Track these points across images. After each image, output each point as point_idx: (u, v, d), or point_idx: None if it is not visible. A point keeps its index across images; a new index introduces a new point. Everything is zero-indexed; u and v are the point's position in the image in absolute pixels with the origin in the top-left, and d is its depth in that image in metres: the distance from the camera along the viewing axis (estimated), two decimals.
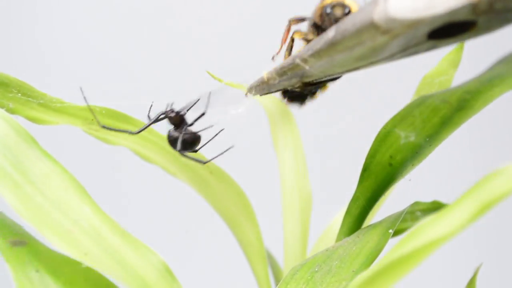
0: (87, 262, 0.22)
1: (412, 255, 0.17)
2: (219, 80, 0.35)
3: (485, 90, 0.21)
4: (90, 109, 0.28)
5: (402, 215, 0.26)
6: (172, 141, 0.28)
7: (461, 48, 0.31)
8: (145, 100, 0.29)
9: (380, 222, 0.26)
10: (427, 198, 0.34)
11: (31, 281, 0.21)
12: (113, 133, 0.29)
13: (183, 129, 0.28)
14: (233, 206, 0.32)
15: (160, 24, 0.74)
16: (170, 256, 0.27)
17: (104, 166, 0.64)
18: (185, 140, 0.28)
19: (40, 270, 0.22)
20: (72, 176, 0.25)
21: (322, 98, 0.34)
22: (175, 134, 0.28)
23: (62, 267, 0.22)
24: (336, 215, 0.38)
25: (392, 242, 0.29)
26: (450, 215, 0.17)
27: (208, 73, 0.34)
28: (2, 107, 0.26)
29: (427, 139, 0.24)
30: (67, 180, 0.25)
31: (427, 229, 0.17)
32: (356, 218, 0.28)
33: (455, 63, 0.31)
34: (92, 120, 0.28)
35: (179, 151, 0.28)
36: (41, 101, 0.27)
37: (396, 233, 0.34)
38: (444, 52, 0.32)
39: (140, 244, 0.26)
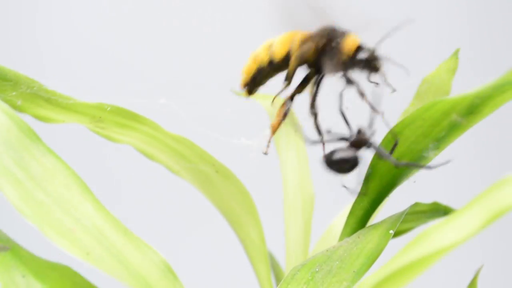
0: (89, 262, 0.21)
1: (420, 261, 0.16)
2: (239, 94, 0.34)
3: (496, 95, 0.20)
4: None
5: (403, 216, 0.26)
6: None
7: (456, 54, 0.31)
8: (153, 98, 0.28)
9: (381, 223, 0.26)
10: (427, 199, 0.34)
11: (18, 286, 0.20)
12: (118, 130, 0.29)
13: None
14: (236, 205, 0.32)
15: (166, 21, 0.73)
16: (172, 255, 0.27)
17: (107, 164, 0.64)
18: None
19: (27, 275, 0.21)
20: (75, 173, 0.24)
21: (325, 98, 0.34)
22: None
23: (48, 271, 0.22)
24: (337, 215, 0.38)
25: (394, 243, 0.29)
26: (459, 221, 0.16)
27: (234, 91, 0.33)
28: (11, 104, 0.25)
29: (435, 143, 0.23)
30: (70, 177, 0.24)
31: (435, 235, 0.17)
32: (360, 220, 0.27)
33: (452, 70, 0.31)
34: (100, 117, 0.27)
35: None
36: (52, 97, 0.26)
37: (397, 234, 0.33)
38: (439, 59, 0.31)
39: (142, 243, 0.25)
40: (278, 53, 0.27)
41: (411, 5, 0.78)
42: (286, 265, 0.34)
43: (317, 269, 0.22)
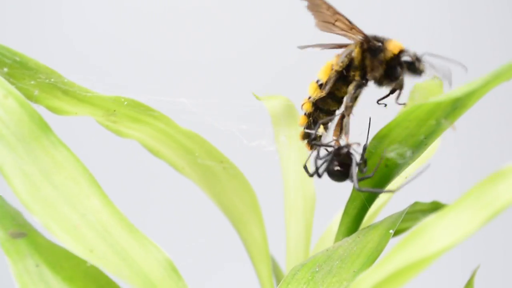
0: (92, 259, 0.20)
1: (413, 265, 0.16)
2: (258, 98, 0.33)
3: (479, 88, 0.20)
4: None
5: (403, 216, 0.25)
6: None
7: None
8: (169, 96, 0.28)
9: (381, 222, 0.25)
10: (426, 198, 0.33)
11: (31, 276, 0.20)
12: (129, 125, 0.28)
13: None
14: (241, 204, 0.31)
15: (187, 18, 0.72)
16: (174, 253, 0.26)
17: (114, 160, 0.63)
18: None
19: (40, 264, 0.20)
20: (84, 165, 0.23)
21: None
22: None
23: (62, 261, 0.21)
24: (336, 215, 0.37)
25: (393, 242, 0.28)
26: (455, 220, 0.15)
27: (254, 95, 0.33)
28: (27, 94, 0.24)
29: (423, 139, 0.22)
30: (78, 170, 0.23)
31: (431, 234, 0.16)
32: (354, 218, 0.26)
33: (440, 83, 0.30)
34: (115, 111, 0.26)
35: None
36: (70, 89, 0.25)
37: (396, 232, 0.32)
38: None
39: (147, 240, 0.24)
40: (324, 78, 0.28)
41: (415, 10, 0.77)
42: (286, 265, 0.33)
43: (317, 269, 0.22)
